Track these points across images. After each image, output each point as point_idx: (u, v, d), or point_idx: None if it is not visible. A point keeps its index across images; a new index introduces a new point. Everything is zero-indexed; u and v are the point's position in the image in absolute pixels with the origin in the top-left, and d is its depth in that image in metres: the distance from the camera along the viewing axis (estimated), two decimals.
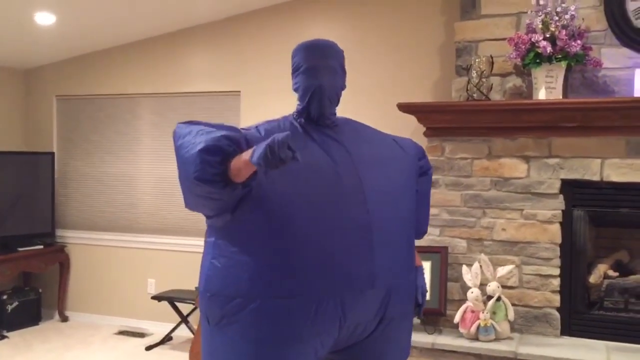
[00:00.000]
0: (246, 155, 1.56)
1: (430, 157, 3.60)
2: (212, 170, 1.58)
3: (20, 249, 4.87)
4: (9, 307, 4.86)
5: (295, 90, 1.85)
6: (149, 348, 4.47)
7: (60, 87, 5.30)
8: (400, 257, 1.89)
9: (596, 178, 3.30)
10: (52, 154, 5.24)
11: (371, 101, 4.18)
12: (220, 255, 1.76)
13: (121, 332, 4.88)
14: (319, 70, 1.80)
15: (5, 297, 4.87)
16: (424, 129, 3.64)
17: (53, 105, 5.35)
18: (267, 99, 4.52)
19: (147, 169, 5.02)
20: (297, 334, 1.71)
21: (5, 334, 4.76)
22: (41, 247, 5.04)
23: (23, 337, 4.76)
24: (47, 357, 4.30)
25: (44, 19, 4.19)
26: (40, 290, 5.15)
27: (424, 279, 2.09)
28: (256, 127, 1.84)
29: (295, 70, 1.84)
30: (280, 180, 1.68)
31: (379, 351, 1.92)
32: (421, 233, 2.19)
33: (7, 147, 5.20)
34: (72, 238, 5.28)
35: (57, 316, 5.22)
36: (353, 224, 1.74)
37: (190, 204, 1.76)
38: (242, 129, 1.80)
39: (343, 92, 1.91)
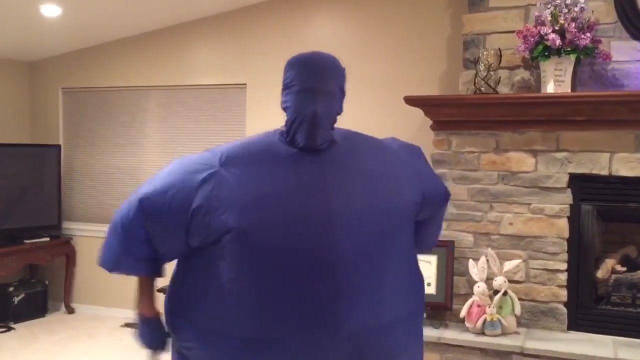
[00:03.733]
0: (145, 308, 1.77)
1: (436, 151, 3.59)
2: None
3: (27, 241, 4.89)
4: (16, 299, 4.89)
5: (284, 109, 1.63)
6: None
7: (66, 80, 5.30)
8: (387, 296, 1.65)
9: (605, 172, 3.27)
10: (59, 146, 5.25)
11: (377, 95, 4.16)
12: (179, 273, 1.73)
13: (127, 325, 4.89)
14: (315, 94, 1.58)
15: (11, 289, 4.89)
16: (431, 122, 3.62)
17: (59, 97, 5.35)
18: (273, 92, 4.45)
19: (153, 161, 5.01)
20: None
21: (12, 325, 4.79)
22: (47, 239, 5.06)
23: (29, 328, 4.78)
24: (53, 348, 4.32)
25: (50, 11, 4.18)
26: (46, 282, 5.17)
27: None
28: (221, 151, 1.64)
29: (287, 87, 1.62)
30: (238, 213, 1.53)
31: None
32: (424, 248, 1.98)
33: (13, 139, 5.21)
34: (78, 230, 5.29)
35: (63, 308, 5.24)
36: (315, 262, 1.53)
37: None
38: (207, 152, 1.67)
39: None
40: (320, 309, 1.55)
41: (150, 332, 1.75)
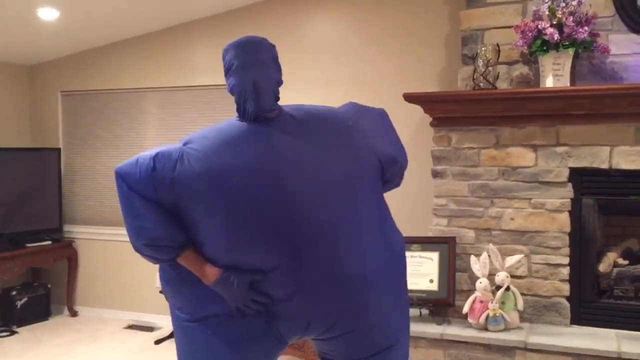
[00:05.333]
0: (206, 277, 1.77)
1: (437, 148, 3.60)
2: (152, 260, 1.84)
3: (29, 245, 4.89)
4: (19, 303, 4.89)
5: (231, 90, 1.82)
6: (158, 342, 4.49)
7: (64, 83, 5.30)
8: (351, 250, 1.79)
9: (605, 166, 3.27)
10: (58, 149, 5.25)
11: (376, 92, 4.16)
12: None
13: (130, 326, 4.90)
14: (251, 65, 1.78)
15: (14, 293, 4.89)
16: (430, 119, 3.62)
17: (58, 101, 5.35)
18: None
19: None
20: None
21: (15, 329, 4.79)
22: (49, 242, 5.06)
23: (33, 332, 4.78)
24: (57, 351, 4.32)
25: (47, 14, 4.18)
26: (49, 286, 5.18)
27: None
28: (184, 142, 1.80)
29: (227, 70, 1.81)
30: (206, 191, 1.71)
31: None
32: (391, 162, 1.95)
33: (13, 143, 5.22)
34: (79, 233, 5.29)
35: (66, 311, 5.24)
36: (274, 229, 1.70)
37: None
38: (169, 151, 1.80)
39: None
40: (284, 260, 1.72)
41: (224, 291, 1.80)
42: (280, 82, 1.86)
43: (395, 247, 1.93)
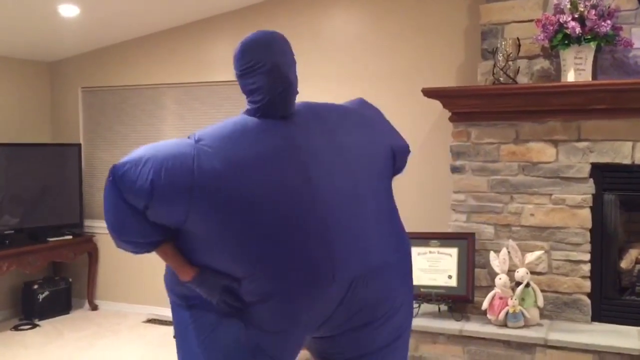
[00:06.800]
0: (183, 275, 1.81)
1: (456, 143, 3.58)
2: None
3: (50, 240, 4.96)
4: (40, 297, 4.96)
5: (252, 91, 1.74)
6: None
7: (85, 79, 5.35)
8: (373, 240, 1.80)
9: (627, 161, 3.22)
10: (79, 145, 5.30)
11: (395, 87, 4.14)
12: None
13: (149, 320, 4.95)
14: (286, 67, 1.73)
15: (36, 286, 4.96)
16: (450, 114, 3.60)
17: (78, 97, 5.41)
18: None
19: None
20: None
21: (37, 322, 4.86)
22: (70, 237, 5.12)
23: (54, 325, 4.84)
24: (77, 345, 4.38)
25: (68, 11, 4.22)
26: (70, 280, 5.24)
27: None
28: (196, 139, 1.77)
29: (251, 69, 1.72)
30: (231, 188, 1.64)
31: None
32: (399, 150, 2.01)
33: (34, 139, 5.28)
34: (100, 228, 5.33)
35: (87, 305, 5.30)
36: (304, 222, 1.67)
37: None
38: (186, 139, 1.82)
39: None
40: (314, 265, 1.67)
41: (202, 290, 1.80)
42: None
43: (405, 244, 1.96)
